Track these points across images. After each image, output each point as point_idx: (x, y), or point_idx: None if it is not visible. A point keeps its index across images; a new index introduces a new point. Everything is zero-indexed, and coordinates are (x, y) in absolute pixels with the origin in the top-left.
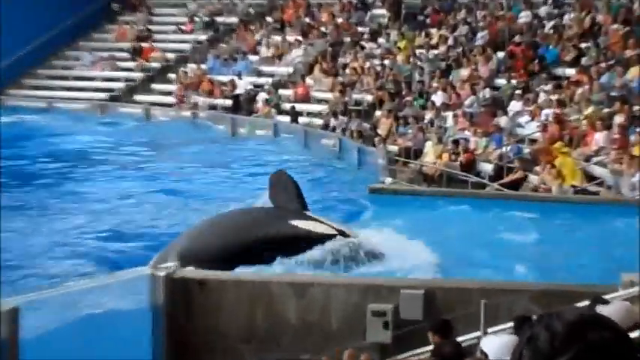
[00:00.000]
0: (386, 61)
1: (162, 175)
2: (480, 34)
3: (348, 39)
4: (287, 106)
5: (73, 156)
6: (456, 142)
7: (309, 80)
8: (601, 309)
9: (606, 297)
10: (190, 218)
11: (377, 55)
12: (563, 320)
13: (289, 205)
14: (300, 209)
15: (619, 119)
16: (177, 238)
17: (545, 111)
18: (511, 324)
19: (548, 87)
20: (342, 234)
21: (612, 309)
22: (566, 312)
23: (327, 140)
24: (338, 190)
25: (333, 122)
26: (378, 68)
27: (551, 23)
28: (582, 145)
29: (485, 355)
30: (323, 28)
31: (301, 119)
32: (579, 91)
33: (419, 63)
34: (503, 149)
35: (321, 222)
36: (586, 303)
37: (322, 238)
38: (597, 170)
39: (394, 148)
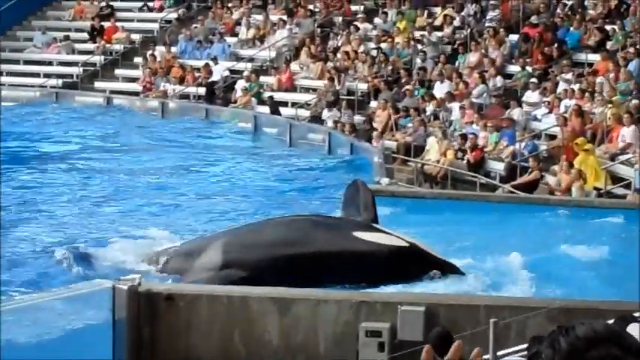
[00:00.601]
0: (383, 45)
1: (126, 176)
2: (490, 14)
3: (339, 19)
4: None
5: (23, 153)
6: (462, 138)
7: (294, 66)
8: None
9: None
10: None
11: (373, 38)
12: (570, 337)
13: (358, 216)
14: (367, 221)
15: None
16: (193, 241)
17: (565, 102)
18: (524, 346)
19: (569, 75)
20: (416, 248)
21: None
22: (580, 327)
23: (315, 135)
24: (326, 192)
25: (326, 114)
26: (374, 53)
27: (572, 2)
28: (607, 142)
29: None
30: (311, 6)
31: (286, 110)
32: (599, 80)
33: (420, 47)
34: (517, 146)
35: (391, 234)
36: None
37: (393, 254)
38: (623, 170)
39: (392, 144)
